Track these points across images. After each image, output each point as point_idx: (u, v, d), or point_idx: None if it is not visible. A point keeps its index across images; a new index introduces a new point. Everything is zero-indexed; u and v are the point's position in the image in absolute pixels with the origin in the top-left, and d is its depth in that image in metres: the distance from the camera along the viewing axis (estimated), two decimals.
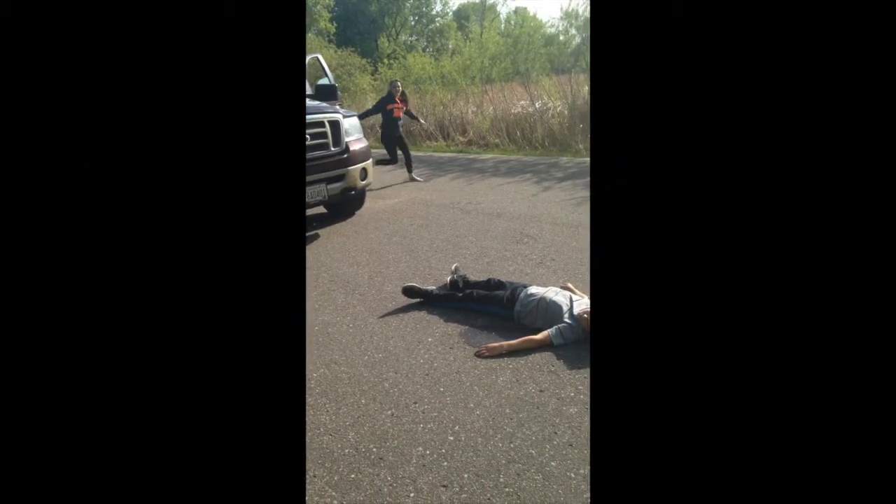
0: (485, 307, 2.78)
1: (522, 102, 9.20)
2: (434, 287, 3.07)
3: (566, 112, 8.25)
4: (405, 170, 6.86)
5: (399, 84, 6.92)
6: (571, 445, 1.80)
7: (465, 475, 1.71)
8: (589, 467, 1.72)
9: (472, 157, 8.16)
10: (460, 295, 2.88)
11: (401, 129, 6.75)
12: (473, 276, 3.13)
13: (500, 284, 2.88)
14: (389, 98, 6.66)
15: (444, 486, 1.68)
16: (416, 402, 2.12)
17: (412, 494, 1.65)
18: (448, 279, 3.07)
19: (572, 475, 1.67)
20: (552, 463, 1.73)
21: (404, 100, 6.87)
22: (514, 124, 8.76)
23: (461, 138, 9.56)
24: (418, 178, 6.73)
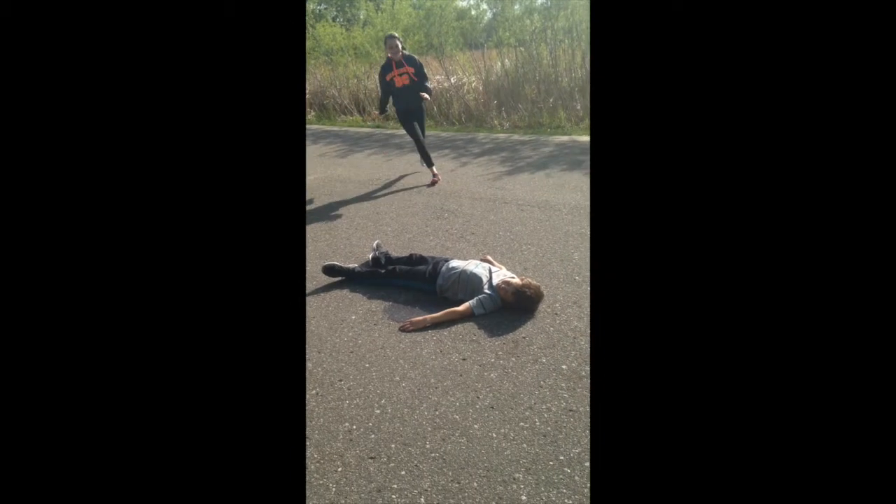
0: (407, 282, 2.81)
1: (438, 77, 9.15)
2: (356, 265, 3.04)
3: (481, 88, 8.33)
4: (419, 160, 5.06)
5: (397, 39, 4.51)
6: (493, 408, 1.90)
7: (393, 445, 1.76)
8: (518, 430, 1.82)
9: (389, 132, 8.04)
10: (383, 272, 2.88)
11: (422, 107, 4.81)
12: (395, 253, 3.14)
13: (421, 259, 2.91)
14: (387, 65, 4.60)
15: (371, 457, 1.71)
16: (340, 380, 2.12)
17: (339, 469, 1.67)
18: (370, 256, 3.06)
19: (494, 435, 1.77)
20: (475, 426, 1.82)
21: (412, 62, 4.63)
22: (430, 99, 8.72)
23: (377, 113, 9.37)
24: (436, 176, 4.81)
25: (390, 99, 4.81)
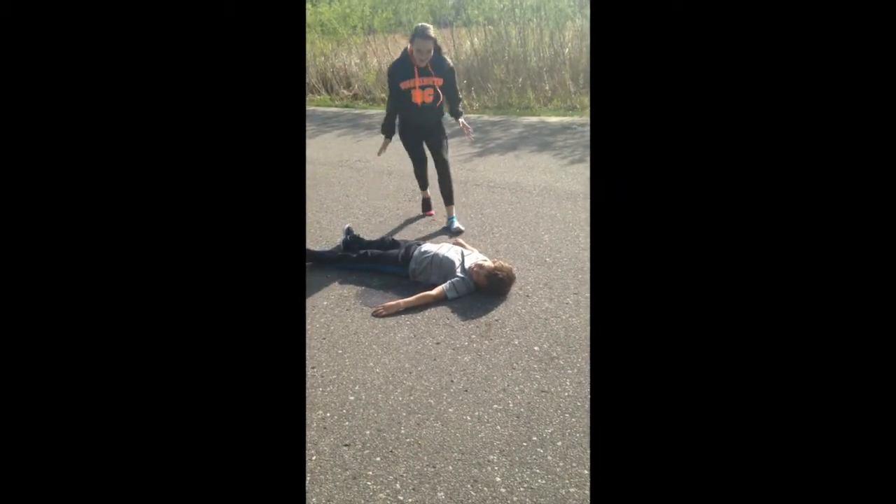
0: (380, 267, 2.78)
1: None
2: (326, 249, 2.99)
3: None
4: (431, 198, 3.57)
5: (431, 41, 2.92)
6: (467, 391, 1.92)
7: (367, 432, 1.76)
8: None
9: (358, 112, 7.88)
10: (354, 256, 2.85)
11: (441, 123, 3.27)
12: (367, 236, 3.09)
13: (393, 243, 2.89)
14: (405, 67, 3.00)
15: (346, 445, 1.71)
16: (313, 367, 2.10)
17: (314, 458, 1.66)
18: (340, 240, 3.01)
19: (468, 418, 1.79)
20: (450, 410, 1.84)
21: (441, 69, 3.04)
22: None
23: (346, 92, 9.15)
24: (459, 225, 3.30)
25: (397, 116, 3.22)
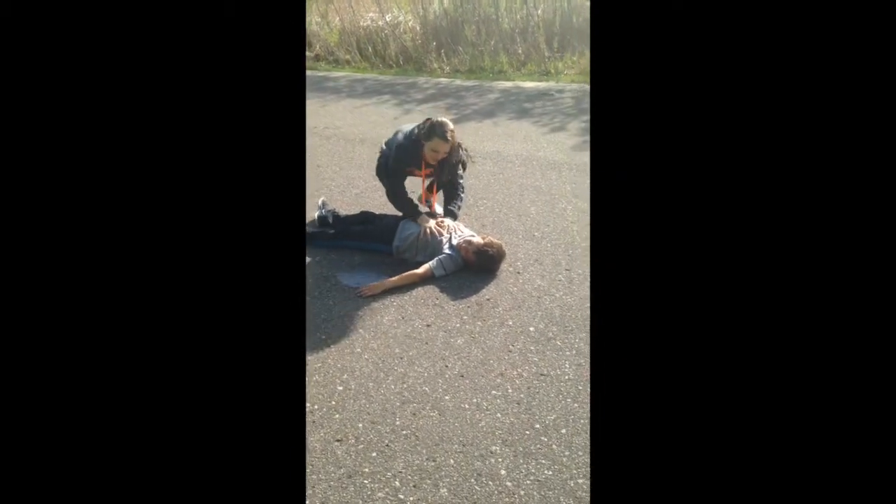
0: (361, 243, 2.61)
1: (371, 14, 8.53)
2: None
3: (418, 28, 7.85)
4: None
5: (449, 135, 2.39)
6: (462, 377, 1.82)
7: (360, 424, 1.64)
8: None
9: (322, 74, 7.45)
10: (332, 232, 2.67)
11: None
12: (343, 211, 2.91)
13: (374, 218, 2.72)
14: (415, 155, 2.50)
15: (338, 440, 1.59)
16: None
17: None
18: (315, 215, 2.81)
19: (466, 406, 1.70)
20: (446, 397, 1.74)
21: (445, 168, 2.58)
22: (364, 39, 8.12)
23: (307, 52, 8.65)
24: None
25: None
